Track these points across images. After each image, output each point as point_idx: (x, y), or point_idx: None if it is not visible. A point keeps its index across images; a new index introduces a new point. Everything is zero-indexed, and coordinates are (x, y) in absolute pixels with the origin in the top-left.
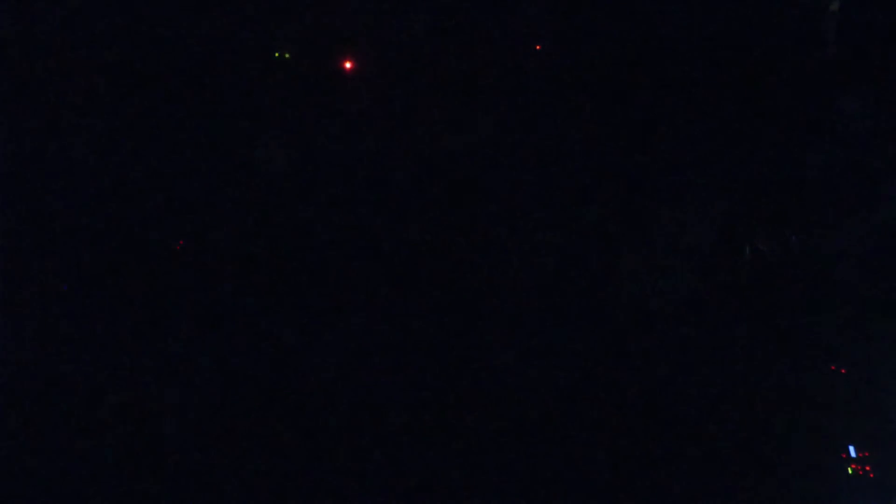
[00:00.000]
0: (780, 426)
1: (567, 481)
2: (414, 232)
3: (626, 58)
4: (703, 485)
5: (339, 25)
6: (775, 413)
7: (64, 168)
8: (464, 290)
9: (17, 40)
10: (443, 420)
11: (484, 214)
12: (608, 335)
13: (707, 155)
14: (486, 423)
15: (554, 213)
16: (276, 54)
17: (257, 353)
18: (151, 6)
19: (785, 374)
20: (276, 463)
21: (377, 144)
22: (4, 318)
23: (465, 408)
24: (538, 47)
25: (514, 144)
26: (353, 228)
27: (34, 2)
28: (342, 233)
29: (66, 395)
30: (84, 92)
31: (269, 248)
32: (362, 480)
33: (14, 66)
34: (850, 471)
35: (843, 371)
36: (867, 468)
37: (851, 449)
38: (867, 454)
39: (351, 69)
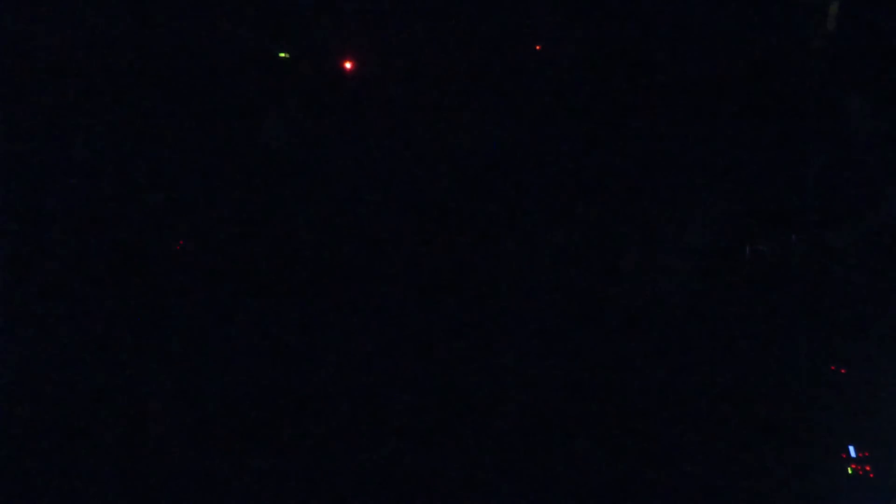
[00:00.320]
0: (780, 426)
1: (567, 481)
2: (414, 232)
3: (627, 58)
4: (702, 484)
5: (339, 25)
6: (775, 413)
7: (64, 168)
8: (464, 290)
9: (18, 40)
10: (443, 420)
11: (484, 214)
12: (608, 335)
13: (708, 155)
14: (486, 422)
15: (554, 212)
16: (277, 55)
17: (258, 353)
18: (151, 6)
19: (785, 374)
20: (276, 463)
21: (377, 144)
22: (4, 318)
23: (466, 407)
24: (538, 47)
25: (515, 144)
26: (353, 228)
27: (34, 2)
28: (342, 233)
29: (66, 396)
30: (84, 92)
31: (270, 249)
32: (363, 480)
33: (14, 66)
34: (850, 471)
35: (843, 371)
36: (867, 468)
37: (851, 449)
38: (867, 454)
39: (351, 69)
